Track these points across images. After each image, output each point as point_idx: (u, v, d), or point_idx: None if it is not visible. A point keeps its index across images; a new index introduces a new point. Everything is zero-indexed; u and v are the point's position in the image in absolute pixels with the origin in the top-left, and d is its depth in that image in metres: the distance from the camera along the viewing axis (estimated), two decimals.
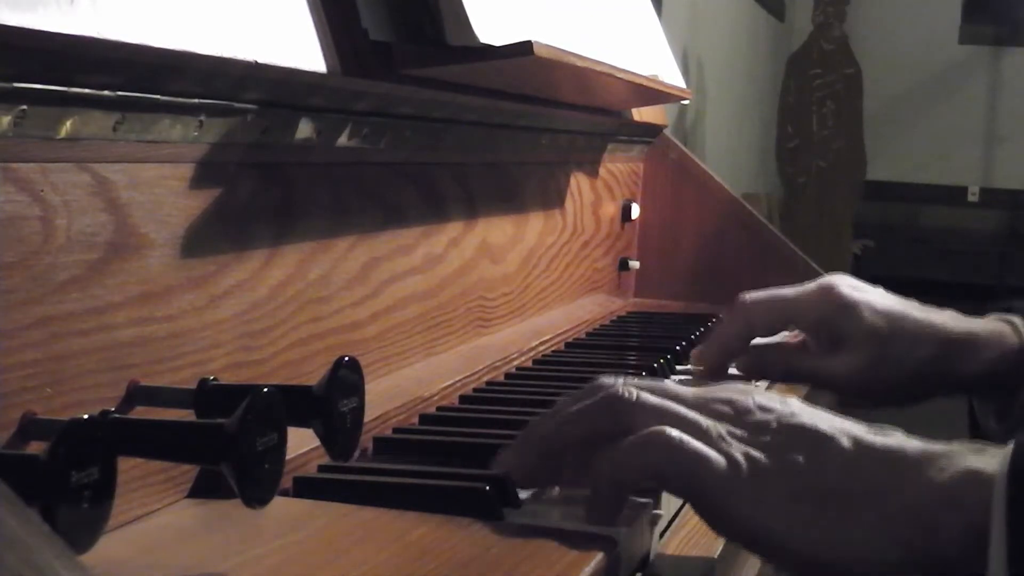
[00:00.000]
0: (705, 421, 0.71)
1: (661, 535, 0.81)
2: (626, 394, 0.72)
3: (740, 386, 0.76)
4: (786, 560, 0.71)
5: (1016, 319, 1.06)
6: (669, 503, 0.83)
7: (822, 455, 0.70)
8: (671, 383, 0.76)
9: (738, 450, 0.70)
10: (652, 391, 0.73)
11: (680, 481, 0.70)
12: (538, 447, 0.75)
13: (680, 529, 0.85)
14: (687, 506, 0.87)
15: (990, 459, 0.68)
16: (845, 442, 0.70)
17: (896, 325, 1.03)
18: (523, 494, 0.74)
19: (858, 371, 1.02)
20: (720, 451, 0.69)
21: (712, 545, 0.82)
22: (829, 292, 1.04)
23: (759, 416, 0.72)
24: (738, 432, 0.71)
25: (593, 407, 0.73)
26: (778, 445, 0.70)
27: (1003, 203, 7.74)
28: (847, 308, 1.03)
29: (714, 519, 0.71)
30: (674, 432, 0.69)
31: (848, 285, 1.05)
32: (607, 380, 0.74)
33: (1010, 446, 0.68)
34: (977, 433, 1.09)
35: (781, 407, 0.72)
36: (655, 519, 0.78)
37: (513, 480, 0.74)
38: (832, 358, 1.03)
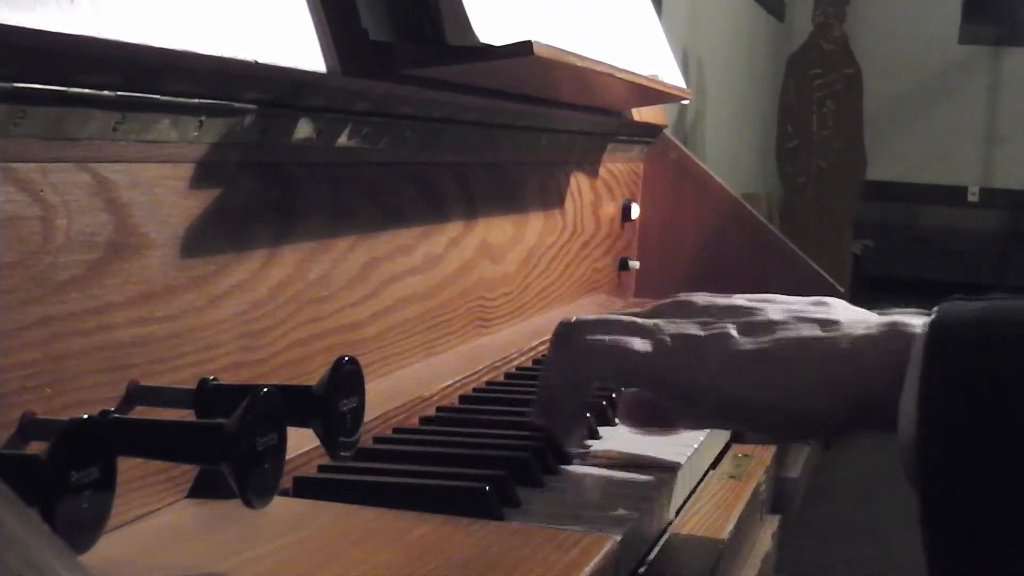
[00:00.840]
0: (643, 321, 0.79)
1: (685, 501, 0.86)
2: (569, 319, 0.81)
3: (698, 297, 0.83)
4: (741, 421, 0.81)
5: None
6: (684, 482, 0.86)
7: (755, 324, 0.77)
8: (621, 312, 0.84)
9: (668, 334, 0.78)
10: (601, 320, 0.81)
11: (620, 378, 0.82)
12: (556, 411, 0.83)
13: (696, 505, 0.88)
14: (701, 486, 0.90)
15: (916, 318, 0.74)
16: (777, 313, 0.78)
17: None
18: (524, 495, 0.74)
19: None
20: (649, 339, 0.78)
21: (723, 527, 0.86)
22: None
23: (700, 304, 0.80)
24: (675, 322, 0.79)
25: (555, 353, 0.82)
26: (712, 323, 0.78)
27: (1003, 203, 7.74)
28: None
29: (668, 398, 0.80)
30: (597, 334, 0.78)
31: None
32: (568, 321, 0.82)
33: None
34: None
35: (721, 299, 0.80)
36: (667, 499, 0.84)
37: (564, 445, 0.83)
38: None
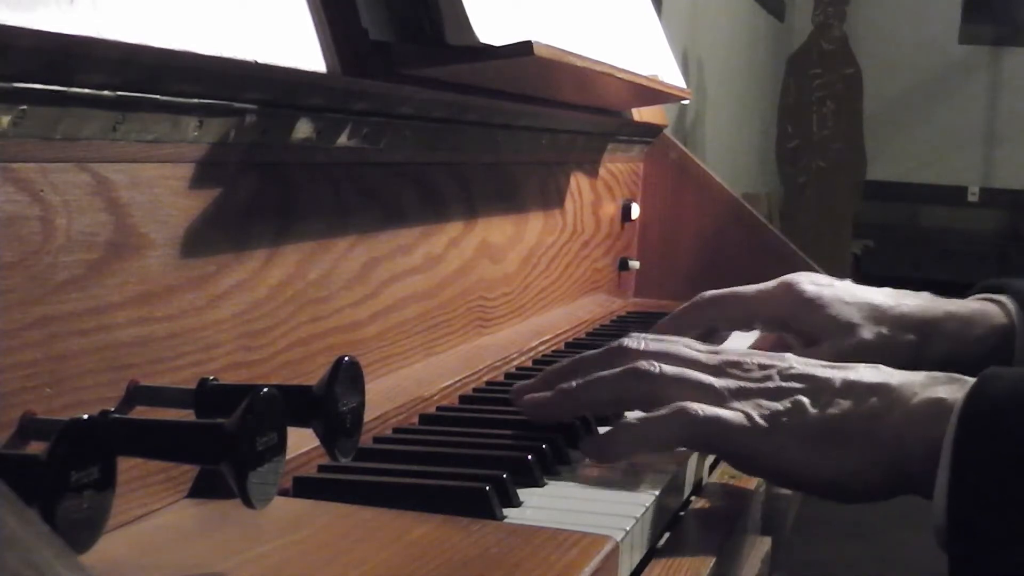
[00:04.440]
0: (718, 382, 0.82)
1: (685, 500, 0.88)
2: (650, 368, 0.83)
3: (740, 349, 0.88)
4: (803, 487, 0.84)
5: (1003, 298, 1.05)
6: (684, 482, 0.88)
7: (820, 392, 0.81)
8: (683, 347, 0.87)
9: (749, 405, 0.81)
10: (669, 358, 0.84)
11: (706, 444, 0.83)
12: (562, 402, 0.85)
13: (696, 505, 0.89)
14: (712, 474, 0.96)
15: (957, 390, 0.78)
16: (837, 380, 0.82)
17: (868, 315, 1.03)
18: (524, 495, 0.74)
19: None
20: (734, 409, 0.81)
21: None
22: (790, 289, 1.04)
23: (763, 372, 0.83)
24: (747, 387, 0.82)
25: (620, 378, 0.84)
26: (782, 391, 0.81)
27: (1003, 203, 7.74)
28: (811, 304, 1.03)
29: (740, 465, 0.85)
30: (695, 405, 0.80)
31: (810, 281, 1.05)
32: (630, 344, 0.86)
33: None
34: None
35: (779, 362, 0.84)
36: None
37: (535, 419, 0.86)
38: (808, 353, 1.03)
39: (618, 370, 0.84)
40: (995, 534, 0.73)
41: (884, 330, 1.03)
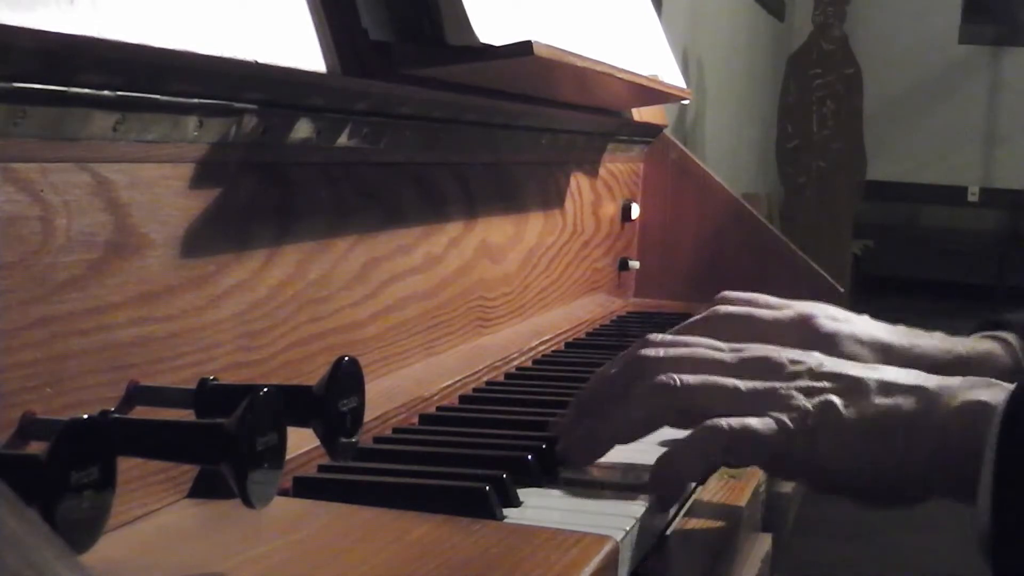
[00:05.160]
0: (744, 385, 0.80)
1: (685, 501, 0.87)
2: (669, 382, 0.81)
3: (766, 346, 0.85)
4: (838, 489, 0.81)
5: (1008, 335, 1.04)
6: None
7: (853, 392, 0.79)
8: (703, 348, 0.84)
9: (779, 408, 0.79)
10: (689, 364, 0.82)
11: (740, 458, 0.81)
12: (593, 448, 0.83)
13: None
14: (711, 475, 0.94)
15: (998, 392, 0.77)
16: (871, 381, 0.79)
17: (881, 356, 1.01)
18: (524, 495, 0.74)
19: None
20: (764, 415, 0.78)
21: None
22: (806, 324, 1.01)
23: (791, 368, 0.81)
24: (775, 388, 0.80)
25: (645, 395, 0.82)
26: (813, 390, 0.79)
27: (1003, 203, 7.74)
28: (827, 340, 1.00)
29: (775, 471, 0.83)
30: (722, 422, 0.78)
31: (827, 316, 1.02)
32: (647, 353, 0.84)
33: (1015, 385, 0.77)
34: None
35: (808, 359, 0.82)
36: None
37: (579, 460, 0.83)
38: None
39: (640, 392, 0.82)
40: None
41: None
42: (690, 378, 0.81)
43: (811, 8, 6.57)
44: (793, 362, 0.82)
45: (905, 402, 0.78)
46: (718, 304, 1.03)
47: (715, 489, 0.95)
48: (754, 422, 0.78)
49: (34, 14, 0.56)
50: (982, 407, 0.76)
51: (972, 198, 7.86)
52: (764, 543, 1.06)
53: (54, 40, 0.57)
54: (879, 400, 0.79)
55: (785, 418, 0.78)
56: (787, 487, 1.07)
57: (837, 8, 6.44)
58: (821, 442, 0.78)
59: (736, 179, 5.50)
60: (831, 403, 0.78)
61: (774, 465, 0.82)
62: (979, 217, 7.79)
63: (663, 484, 0.80)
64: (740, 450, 0.79)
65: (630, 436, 0.83)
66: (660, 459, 0.80)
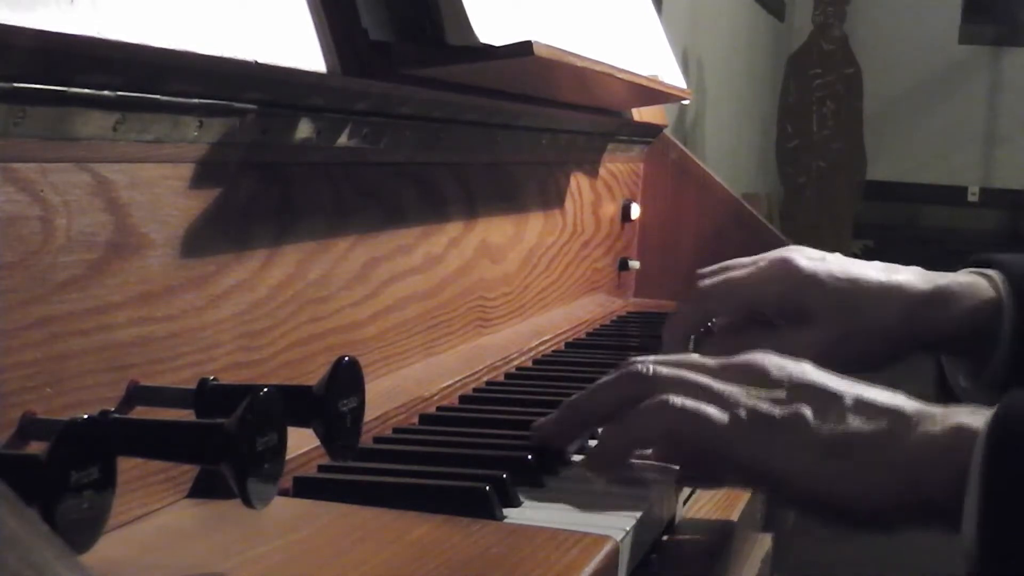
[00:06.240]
0: (718, 386, 0.78)
1: (685, 501, 0.86)
2: (643, 369, 0.80)
3: (758, 353, 0.81)
4: (788, 499, 0.78)
5: (992, 272, 1.03)
6: None
7: (827, 408, 0.76)
8: (695, 355, 0.83)
9: (745, 407, 0.76)
10: (669, 364, 0.80)
11: (685, 441, 0.77)
12: (570, 415, 0.83)
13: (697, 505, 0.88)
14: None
15: (979, 417, 0.73)
16: (849, 398, 0.76)
17: (859, 290, 1.00)
18: (524, 494, 0.74)
19: (827, 343, 0.99)
20: (725, 409, 0.76)
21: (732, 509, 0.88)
22: (786, 266, 1.01)
23: (773, 375, 0.78)
24: (750, 392, 0.77)
25: (615, 380, 0.81)
26: (787, 400, 0.76)
27: (1003, 203, 7.73)
28: (807, 280, 1.00)
29: (721, 468, 0.79)
30: (676, 398, 0.76)
31: (805, 257, 1.02)
32: (636, 358, 0.82)
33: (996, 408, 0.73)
34: (945, 391, 1.06)
35: (794, 368, 0.79)
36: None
37: (548, 441, 0.83)
38: (799, 333, 1.00)
39: (614, 375, 0.81)
40: None
41: (871, 307, 1.01)
42: (663, 370, 0.79)
43: (811, 8, 6.57)
44: (778, 368, 0.79)
45: (880, 423, 0.75)
46: (698, 283, 1.04)
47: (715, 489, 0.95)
48: (710, 409, 0.76)
49: (34, 14, 0.56)
50: (962, 430, 0.73)
51: (972, 198, 7.86)
52: (764, 543, 1.06)
53: (54, 40, 0.57)
54: (853, 418, 0.75)
55: (743, 414, 0.76)
56: None
57: (837, 8, 6.45)
58: (782, 452, 0.75)
59: (736, 179, 5.50)
60: (801, 415, 0.75)
61: (710, 456, 0.78)
62: (979, 217, 7.78)
63: (603, 449, 0.80)
64: (682, 434, 0.76)
65: (599, 417, 0.83)
66: (607, 428, 0.80)
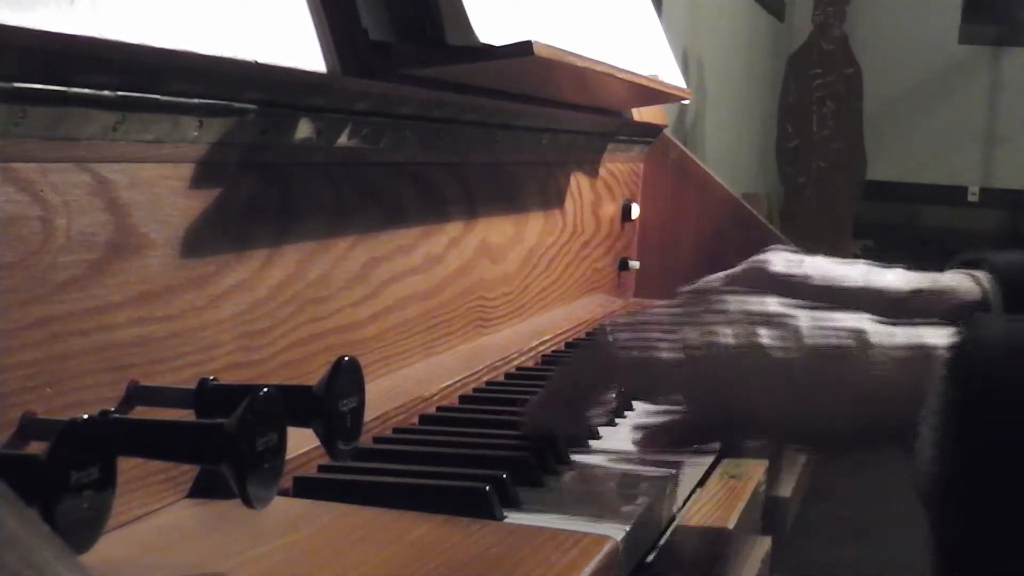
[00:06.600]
0: (673, 322, 0.77)
1: (685, 502, 0.86)
2: (608, 337, 0.79)
3: (724, 293, 0.80)
4: (753, 426, 0.77)
5: (979, 273, 1.03)
6: (686, 480, 0.86)
7: (784, 332, 0.75)
8: (657, 309, 0.82)
9: (699, 342, 0.75)
10: (631, 324, 0.79)
11: (640, 384, 0.78)
12: (547, 395, 0.84)
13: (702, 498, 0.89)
14: (711, 476, 0.93)
15: (942, 335, 0.72)
16: (805, 318, 0.75)
17: (834, 293, 0.99)
18: (524, 494, 0.74)
19: None
20: (677, 346, 0.75)
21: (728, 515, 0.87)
22: (762, 272, 1.00)
23: (732, 306, 0.77)
24: (707, 323, 0.76)
25: (581, 355, 0.83)
26: (743, 330, 0.75)
27: (1003, 203, 7.73)
28: (779, 285, 0.99)
29: (684, 405, 0.78)
30: (620, 334, 0.76)
31: (782, 261, 1.01)
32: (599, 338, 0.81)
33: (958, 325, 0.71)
34: None
35: (753, 300, 0.77)
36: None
37: (539, 429, 0.83)
38: None
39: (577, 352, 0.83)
40: (993, 486, 0.65)
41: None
42: (623, 335, 0.78)
43: (811, 8, 6.57)
44: (737, 303, 0.78)
45: (836, 341, 0.74)
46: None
47: (714, 490, 0.95)
48: (661, 348, 0.75)
49: (34, 14, 0.56)
50: (922, 347, 0.72)
51: (972, 198, 7.85)
52: (763, 545, 1.05)
53: (54, 40, 0.57)
54: (807, 338, 0.74)
55: (696, 348, 0.75)
56: (787, 489, 1.07)
57: (837, 8, 6.45)
58: (740, 379, 0.74)
59: (736, 179, 5.50)
60: (756, 344, 0.74)
61: (684, 400, 0.77)
62: (979, 217, 7.78)
63: (540, 407, 0.82)
64: (643, 376, 0.76)
65: (572, 391, 0.83)
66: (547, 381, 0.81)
